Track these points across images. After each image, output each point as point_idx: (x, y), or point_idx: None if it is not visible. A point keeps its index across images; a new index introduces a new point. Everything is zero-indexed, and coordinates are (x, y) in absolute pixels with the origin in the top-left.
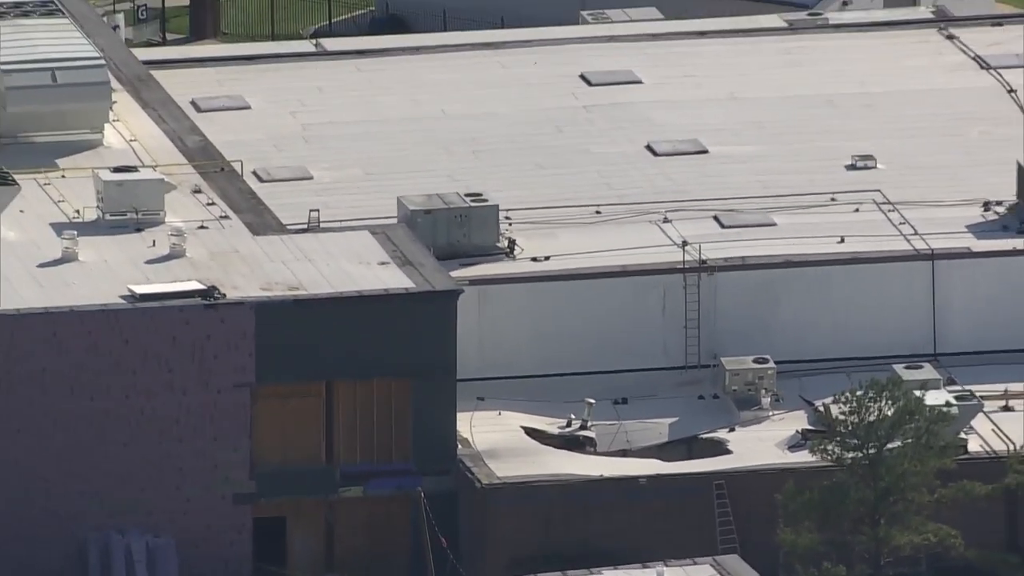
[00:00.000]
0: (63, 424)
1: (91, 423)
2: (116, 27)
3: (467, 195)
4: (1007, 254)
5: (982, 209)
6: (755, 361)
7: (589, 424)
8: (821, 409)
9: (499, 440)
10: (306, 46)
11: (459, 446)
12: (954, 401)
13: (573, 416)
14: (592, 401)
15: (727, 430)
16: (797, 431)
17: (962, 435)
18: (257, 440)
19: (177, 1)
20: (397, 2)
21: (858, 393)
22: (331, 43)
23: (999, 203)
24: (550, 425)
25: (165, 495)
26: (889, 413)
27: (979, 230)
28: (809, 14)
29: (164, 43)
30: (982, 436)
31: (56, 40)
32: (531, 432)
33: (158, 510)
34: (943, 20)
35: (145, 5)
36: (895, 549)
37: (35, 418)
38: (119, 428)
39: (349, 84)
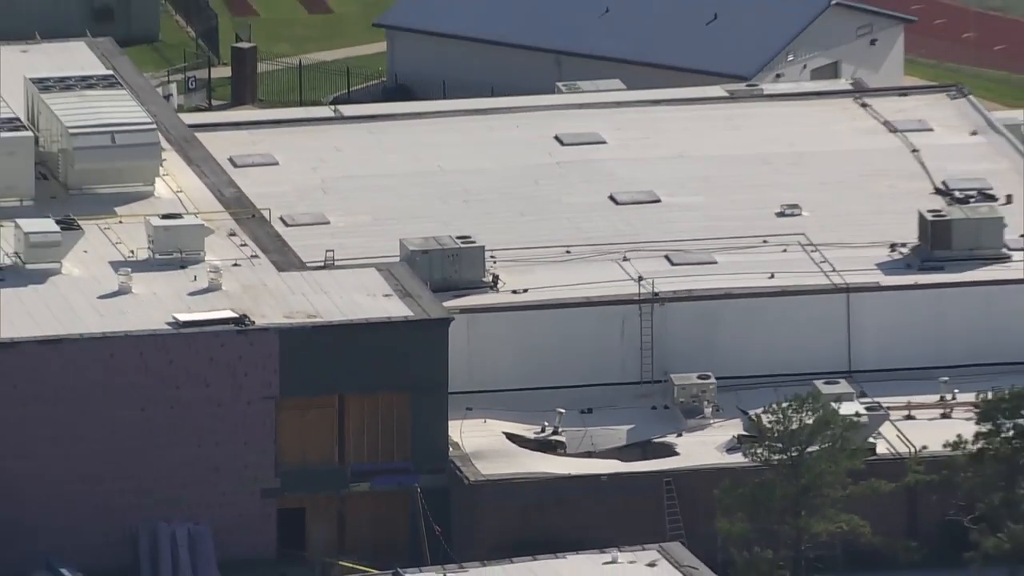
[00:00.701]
0: (117, 431)
1: (141, 430)
2: (170, 95)
3: (458, 238)
4: (909, 288)
5: (889, 250)
6: (699, 377)
7: (560, 430)
8: (753, 418)
9: (484, 444)
10: (326, 112)
11: (450, 449)
12: (864, 411)
13: (546, 423)
14: (562, 411)
15: (675, 435)
16: (733, 436)
17: (871, 440)
18: (281, 444)
19: (221, 72)
20: (404, 74)
21: (783, 404)
22: (348, 109)
23: (903, 245)
24: (527, 431)
25: (203, 490)
26: (809, 422)
27: (886, 268)
28: (747, 85)
29: (210, 108)
30: (888, 441)
31: (115, 108)
32: (511, 437)
33: (197, 503)
34: (859, 91)
35: (194, 76)
36: (814, 536)
37: (94, 426)
38: (165, 434)
39: (362, 144)
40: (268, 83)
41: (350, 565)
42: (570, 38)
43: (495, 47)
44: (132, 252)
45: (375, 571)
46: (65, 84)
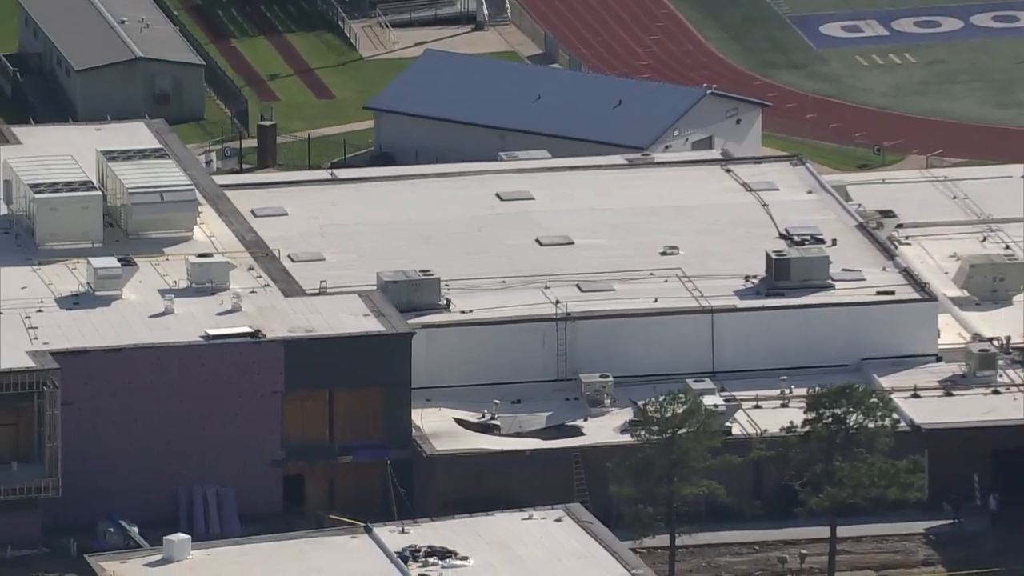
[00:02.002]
0: (163, 416)
1: (182, 416)
2: (210, 161)
3: (420, 271)
4: (758, 309)
5: (744, 281)
6: (600, 376)
7: (496, 416)
8: (640, 407)
9: (439, 426)
10: (325, 174)
11: (413, 430)
12: (722, 403)
13: (486, 411)
14: (498, 401)
15: (582, 420)
16: (625, 421)
17: (727, 424)
18: (285, 426)
19: (250, 144)
20: (387, 144)
21: (661, 397)
22: (342, 172)
23: (755, 277)
24: (471, 417)
25: (228, 461)
26: (680, 411)
27: (741, 294)
28: (642, 155)
29: (241, 171)
30: (741, 424)
31: (163, 173)
32: (459, 421)
33: (223, 470)
34: (726, 159)
35: (229, 147)
36: (683, 497)
37: (146, 413)
38: (199, 419)
39: (351, 199)
40: (285, 152)
41: (337, 518)
42: (511, 118)
43: (455, 124)
44: (175, 282)
45: (356, 522)
46: (126, 155)
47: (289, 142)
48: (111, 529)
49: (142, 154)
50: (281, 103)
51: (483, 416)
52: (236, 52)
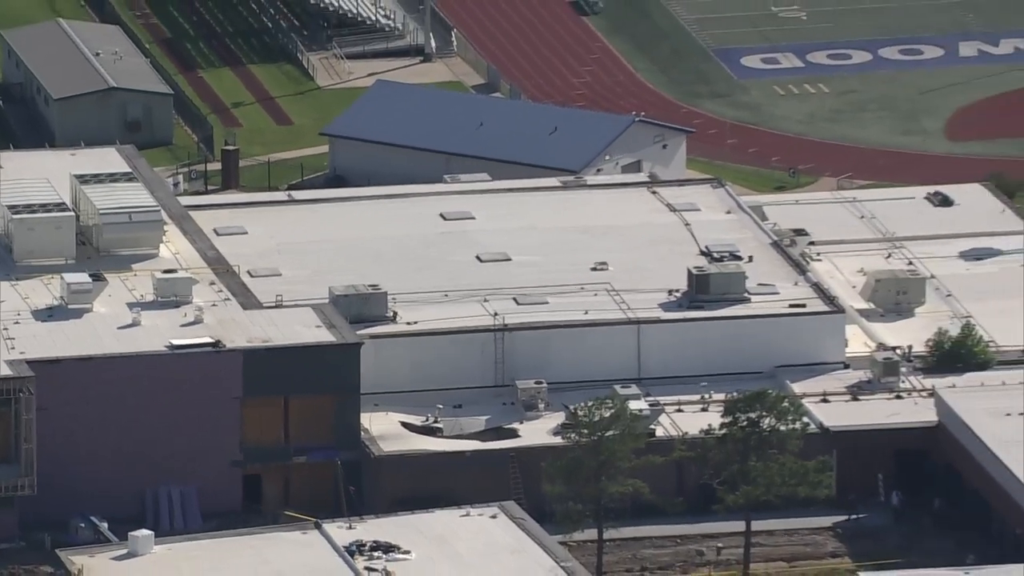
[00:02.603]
0: (131, 420)
1: (148, 420)
2: (178, 183)
3: (369, 285)
4: (680, 320)
5: (667, 294)
6: (535, 383)
7: (438, 420)
8: (571, 411)
9: (387, 429)
10: (283, 196)
11: (362, 433)
12: (647, 407)
13: (429, 415)
14: (440, 406)
15: (518, 423)
16: (558, 424)
17: (651, 427)
18: (244, 430)
19: (215, 167)
20: (341, 167)
21: (590, 403)
22: (298, 194)
23: (677, 291)
24: (416, 420)
25: (191, 462)
26: (607, 415)
27: (665, 306)
28: (575, 177)
29: (206, 192)
30: (664, 427)
31: (132, 195)
32: (405, 424)
33: (187, 471)
34: (652, 182)
35: (195, 170)
36: (610, 495)
37: (115, 417)
38: (164, 423)
39: (307, 219)
40: (247, 174)
41: (292, 514)
42: (455, 144)
43: (403, 149)
44: (142, 296)
45: (309, 518)
46: (98, 179)
47: (251, 165)
48: (83, 525)
49: (112, 178)
50: (244, 129)
51: (427, 420)
52: (202, 82)
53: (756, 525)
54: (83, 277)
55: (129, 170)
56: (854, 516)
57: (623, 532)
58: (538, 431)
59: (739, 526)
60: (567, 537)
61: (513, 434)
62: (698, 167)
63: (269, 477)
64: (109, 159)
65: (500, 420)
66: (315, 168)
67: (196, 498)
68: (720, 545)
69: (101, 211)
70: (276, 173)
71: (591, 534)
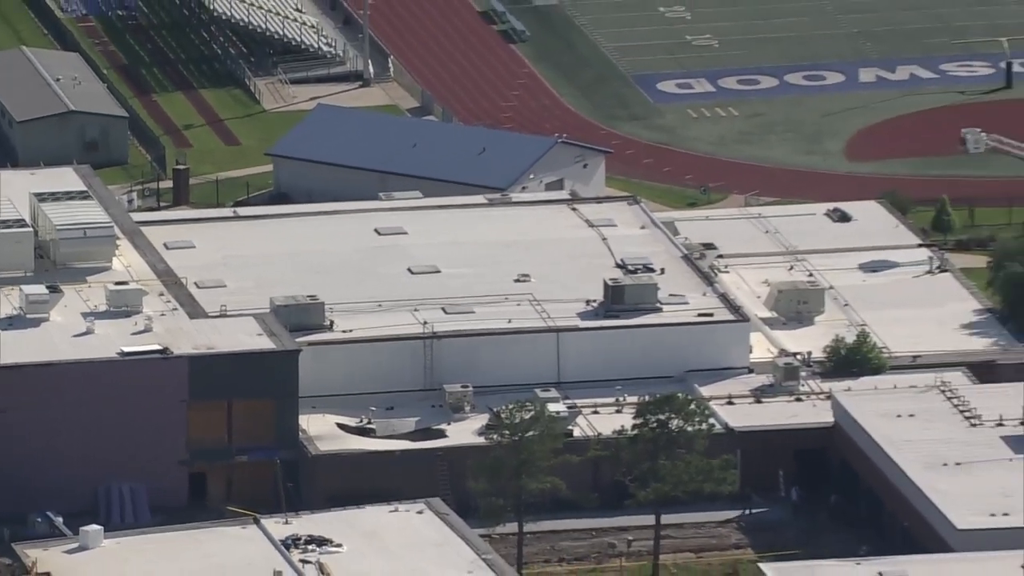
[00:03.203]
0: (85, 422)
1: (100, 422)
2: (132, 199)
3: (308, 296)
4: (597, 329)
5: (585, 304)
6: (461, 387)
7: (372, 421)
8: (494, 413)
9: (323, 430)
10: (229, 212)
11: (300, 433)
12: (565, 410)
13: (363, 417)
14: (374, 408)
15: (446, 424)
16: (482, 425)
17: (569, 428)
18: (190, 431)
19: (167, 185)
20: (284, 184)
21: (512, 406)
22: (243, 210)
23: (595, 301)
24: (351, 421)
25: (140, 461)
26: (527, 417)
27: (583, 315)
28: (502, 195)
29: (159, 208)
30: (581, 428)
31: (87, 213)
32: (341, 426)
33: (137, 470)
34: (573, 199)
35: (148, 188)
36: (530, 491)
37: (70, 419)
38: (116, 424)
39: (251, 234)
40: (197, 192)
41: (235, 510)
42: (390, 163)
43: (342, 168)
44: (96, 307)
45: (250, 513)
46: (55, 197)
47: (201, 183)
48: (40, 520)
49: (69, 196)
50: (194, 149)
51: (361, 421)
52: (156, 105)
53: (666, 519)
54: (41, 289)
55: (84, 189)
56: (748, 511)
57: (542, 525)
58: (464, 432)
59: (650, 520)
60: (490, 530)
61: (441, 435)
62: (617, 185)
63: (213, 475)
64: (66, 178)
65: (429, 421)
66: (260, 186)
67: (145, 495)
68: (631, 538)
69: (58, 227)
70: (224, 190)
71: (513, 527)
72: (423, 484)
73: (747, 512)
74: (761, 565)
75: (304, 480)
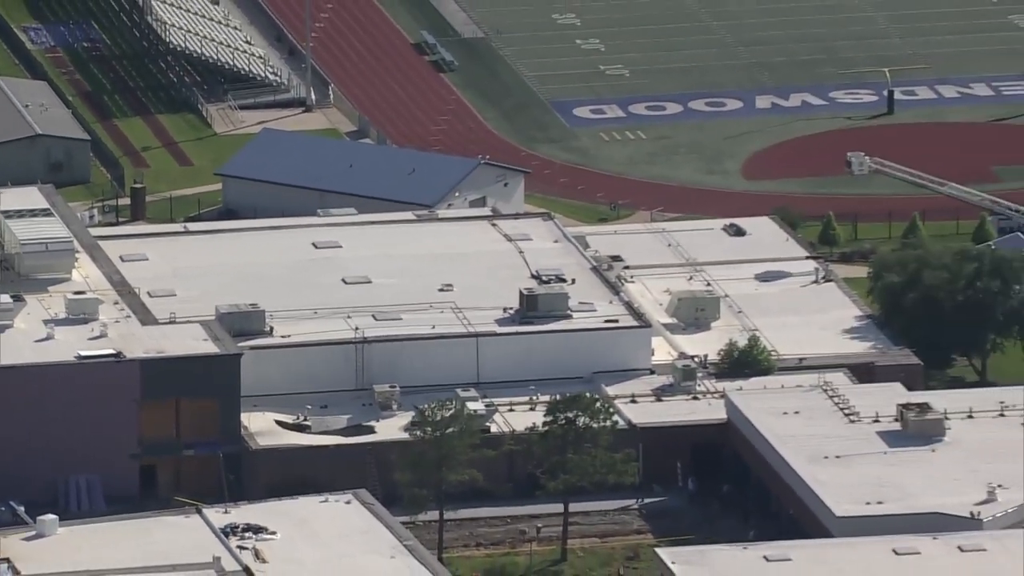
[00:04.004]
0: (46, 420)
1: (60, 419)
2: (93, 215)
3: (250, 304)
4: (513, 334)
5: (502, 311)
6: (390, 387)
7: (307, 418)
8: (419, 411)
9: (263, 427)
10: (179, 227)
11: (242, 429)
12: (483, 408)
13: (300, 414)
14: (309, 407)
15: (375, 421)
16: (408, 422)
17: (487, 424)
18: (142, 427)
19: (125, 202)
20: (232, 202)
21: (434, 404)
22: (193, 225)
23: (511, 308)
24: (288, 419)
25: (96, 455)
26: (448, 415)
27: (501, 322)
28: (429, 211)
29: (117, 224)
30: (498, 424)
31: (48, 228)
32: (279, 422)
33: (92, 463)
34: (493, 216)
35: (108, 205)
36: (450, 483)
37: (32, 417)
38: (75, 423)
39: (199, 247)
40: (152, 208)
41: (182, 500)
42: (328, 182)
43: (285, 187)
44: (56, 314)
45: (196, 503)
46: (20, 214)
47: (156, 200)
48: (2, 508)
49: (32, 213)
50: (150, 170)
51: (297, 418)
52: (117, 129)
53: (573, 507)
54: (5, 298)
55: (47, 206)
56: (640, 500)
57: (461, 514)
58: (392, 428)
59: (559, 508)
60: (414, 518)
61: (371, 431)
62: (535, 202)
63: (162, 468)
64: (31, 197)
65: (360, 419)
66: (210, 203)
67: (100, 486)
68: (538, 526)
69: (22, 241)
70: (177, 207)
71: (434, 515)
72: (354, 476)
73: (640, 501)
74: (658, 550)
75: (245, 472)
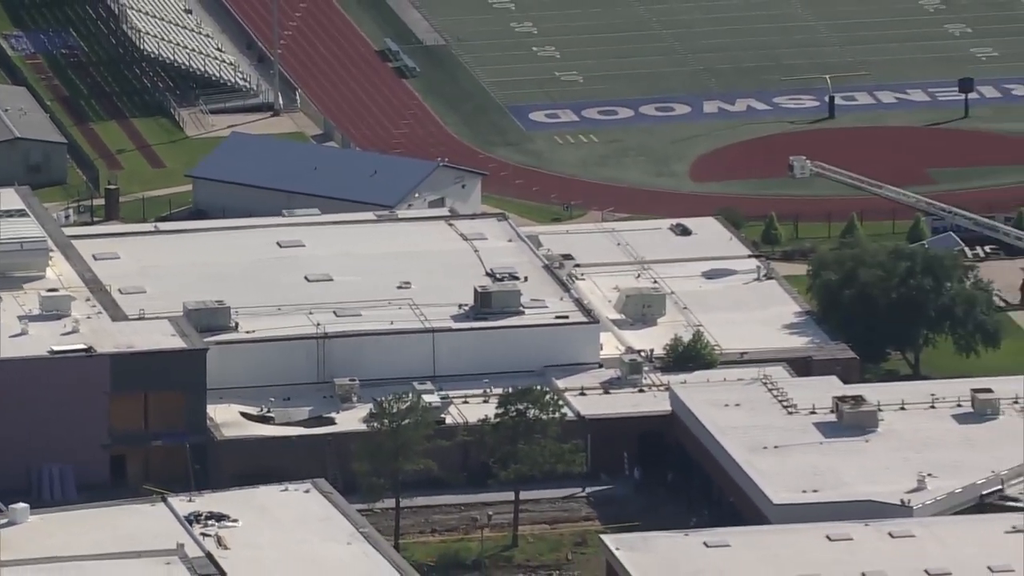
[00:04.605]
0: (21, 411)
1: (34, 411)
2: (69, 215)
3: (216, 301)
4: (468, 329)
5: (458, 308)
6: (349, 380)
7: (271, 410)
8: (377, 403)
9: (228, 418)
10: (150, 227)
11: (208, 420)
12: (439, 400)
13: (263, 406)
14: (272, 399)
15: (335, 413)
16: (368, 413)
17: (442, 416)
18: (112, 419)
19: (100, 202)
20: (202, 202)
21: (390, 397)
22: (163, 225)
23: (466, 305)
24: (252, 410)
25: (68, 446)
26: (404, 406)
27: (456, 318)
28: (390, 212)
29: (92, 223)
30: (452, 416)
31: (24, 229)
32: (245, 415)
33: (65, 453)
34: (451, 216)
35: (83, 205)
36: (406, 471)
37: (7, 408)
38: (48, 415)
39: (169, 246)
40: (126, 209)
41: (151, 488)
42: (293, 183)
43: (252, 188)
44: (30, 311)
45: (165, 492)
46: None
47: (130, 201)
48: None
49: (8, 213)
50: (124, 171)
51: (261, 410)
52: (93, 132)
53: (524, 495)
54: None
55: (23, 207)
56: (583, 489)
57: (417, 501)
58: (351, 420)
59: (510, 496)
60: (371, 505)
61: (331, 422)
62: (492, 203)
63: (132, 457)
64: (7, 198)
65: (321, 410)
66: (181, 204)
67: (72, 475)
68: (491, 512)
69: None
70: (150, 208)
71: (391, 503)
72: (315, 465)
73: (583, 490)
74: (603, 536)
75: (211, 462)
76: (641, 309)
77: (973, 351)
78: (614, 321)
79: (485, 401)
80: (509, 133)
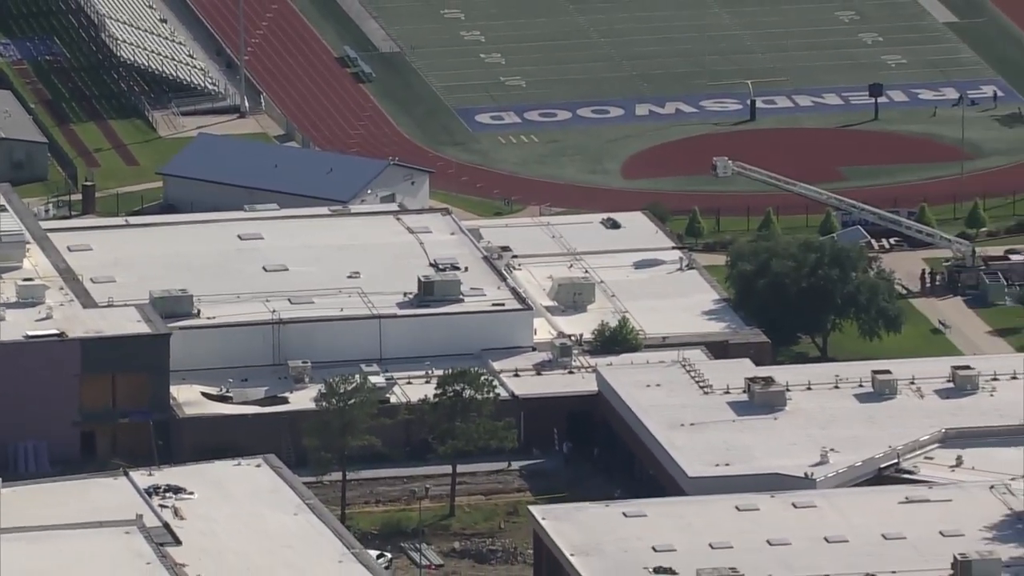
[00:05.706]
0: None
1: (10, 392)
2: (48, 209)
3: (180, 289)
4: (412, 316)
5: (403, 296)
6: (303, 362)
7: (229, 390)
8: (327, 383)
9: (190, 397)
10: (122, 220)
11: (171, 400)
12: (383, 381)
13: (223, 387)
14: (231, 380)
15: (290, 392)
16: (318, 392)
17: (386, 395)
18: (82, 398)
19: (77, 197)
20: (172, 198)
21: (338, 378)
22: (134, 219)
23: (411, 293)
24: (213, 391)
25: (42, 423)
26: (351, 387)
27: (401, 305)
28: (343, 207)
29: (70, 217)
30: (397, 395)
31: (3, 222)
32: (205, 394)
33: (39, 430)
34: (400, 211)
35: (62, 200)
36: (352, 447)
37: None
38: (24, 394)
39: (140, 239)
40: (102, 204)
41: (119, 463)
42: (255, 180)
43: (218, 184)
44: (7, 299)
45: (129, 466)
46: None
47: (106, 196)
48: None
49: None
50: (101, 169)
51: (220, 390)
52: (72, 132)
53: (461, 468)
54: None
55: (3, 202)
56: (509, 463)
57: (362, 475)
58: (304, 399)
59: (448, 470)
60: (320, 478)
61: (285, 401)
62: (439, 198)
63: (101, 434)
64: None
65: (276, 391)
66: (153, 199)
67: (46, 450)
68: (427, 486)
69: None
70: (124, 202)
71: (338, 476)
72: (270, 441)
73: (509, 464)
74: (531, 507)
75: (174, 438)
76: (572, 297)
77: (876, 335)
78: (547, 308)
79: (427, 382)
80: (457, 134)
